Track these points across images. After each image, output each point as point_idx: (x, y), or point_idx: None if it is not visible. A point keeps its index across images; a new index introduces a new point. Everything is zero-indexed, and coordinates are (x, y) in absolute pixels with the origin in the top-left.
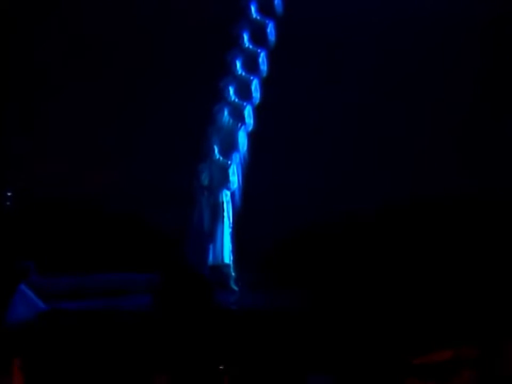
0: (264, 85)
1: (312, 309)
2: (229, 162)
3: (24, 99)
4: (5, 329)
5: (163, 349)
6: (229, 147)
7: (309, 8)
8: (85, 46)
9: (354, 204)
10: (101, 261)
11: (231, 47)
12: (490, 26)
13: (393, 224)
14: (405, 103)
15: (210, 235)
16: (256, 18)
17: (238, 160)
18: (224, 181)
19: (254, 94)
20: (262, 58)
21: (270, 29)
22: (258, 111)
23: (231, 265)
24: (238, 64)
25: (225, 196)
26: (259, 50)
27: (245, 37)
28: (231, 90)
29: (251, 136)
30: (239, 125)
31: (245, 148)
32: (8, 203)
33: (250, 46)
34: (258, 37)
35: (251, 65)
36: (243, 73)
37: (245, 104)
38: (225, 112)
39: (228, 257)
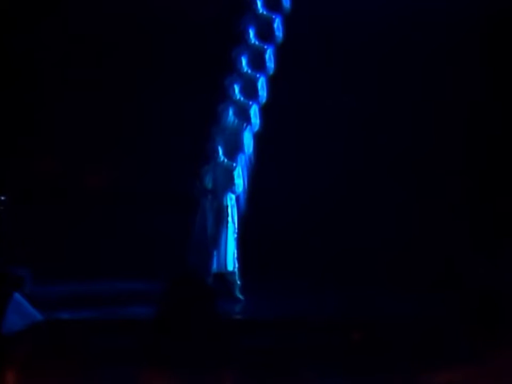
0: (271, 83)
1: (320, 317)
2: (234, 164)
3: (23, 99)
4: None
5: (164, 360)
6: (234, 148)
7: (317, 2)
8: (85, 44)
9: (363, 209)
10: (99, 268)
11: (236, 43)
12: (490, 25)
13: (398, 226)
14: (407, 103)
15: (214, 241)
16: (262, 12)
17: (243, 162)
18: (228, 184)
19: (260, 93)
20: (269, 55)
21: (277, 24)
22: (265, 111)
23: (236, 273)
24: (244, 61)
25: (230, 200)
26: (265, 47)
27: (251, 33)
28: (236, 88)
29: (257, 137)
30: (245, 125)
31: (251, 149)
32: (1, 207)
33: (257, 42)
34: (265, 33)
35: (257, 62)
36: (249, 71)
37: (250, 103)
38: (230, 112)
39: (232, 265)
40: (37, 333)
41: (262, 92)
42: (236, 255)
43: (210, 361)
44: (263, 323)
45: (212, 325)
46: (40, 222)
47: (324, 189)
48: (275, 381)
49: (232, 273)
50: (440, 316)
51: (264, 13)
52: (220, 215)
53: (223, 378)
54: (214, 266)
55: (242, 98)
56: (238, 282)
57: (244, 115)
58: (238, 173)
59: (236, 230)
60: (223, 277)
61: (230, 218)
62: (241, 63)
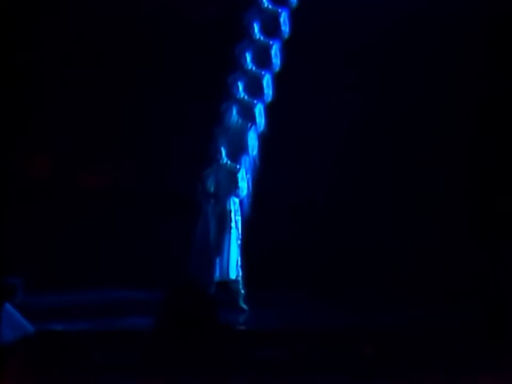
0: (277, 80)
1: (328, 328)
2: (238, 166)
3: (22, 99)
4: None
5: (164, 373)
6: (238, 150)
7: None
8: (86, 42)
9: (371, 215)
10: (94, 276)
11: (240, 39)
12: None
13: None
14: (413, 103)
15: (217, 248)
16: (267, 6)
17: (247, 164)
18: (232, 187)
19: (265, 91)
20: (275, 51)
21: (283, 18)
22: (271, 110)
23: (240, 281)
24: (248, 58)
25: (233, 204)
26: (271, 42)
27: (256, 27)
28: (241, 86)
29: (262, 138)
30: (249, 125)
31: (256, 150)
32: None
33: (262, 38)
34: (270, 27)
35: (262, 58)
36: (253, 68)
37: (255, 102)
38: (234, 111)
39: (235, 273)
40: (28, 345)
41: (268, 90)
42: (239, 263)
43: (212, 374)
44: (269, 334)
45: (213, 337)
46: (32, 227)
47: (333, 192)
48: None
49: (236, 281)
50: (452, 325)
51: (270, 6)
52: (222, 220)
53: None
54: (217, 274)
55: (246, 97)
56: (242, 291)
57: (248, 114)
58: (242, 175)
59: (240, 236)
60: (226, 286)
61: (233, 224)
62: (245, 59)
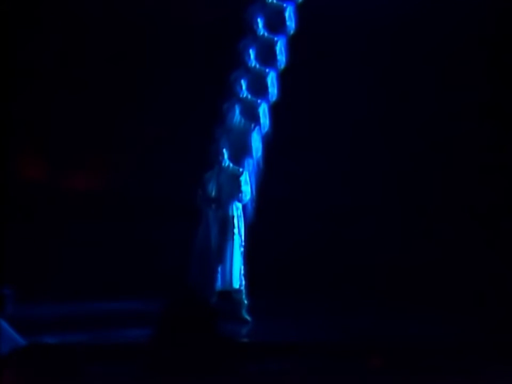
0: (282, 78)
1: (336, 341)
2: (241, 169)
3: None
4: None
5: None
6: (241, 152)
7: None
8: (84, 42)
9: (382, 222)
10: (90, 286)
11: (244, 35)
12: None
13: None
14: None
15: (218, 255)
16: (272, 1)
17: (251, 167)
18: (234, 191)
19: (270, 90)
20: (280, 47)
21: (289, 13)
22: (275, 110)
23: (243, 291)
24: (252, 54)
25: (236, 210)
26: (276, 38)
27: (260, 23)
28: (244, 85)
29: (267, 139)
30: (253, 125)
31: (260, 152)
32: None
33: (266, 34)
34: (275, 23)
35: (267, 55)
36: (257, 65)
37: (259, 101)
38: (237, 111)
39: (238, 282)
40: (19, 360)
41: (272, 89)
42: (242, 271)
43: None
44: (273, 347)
45: (214, 350)
46: (23, 235)
47: (341, 196)
48: None
49: (238, 291)
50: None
51: (275, 0)
52: (224, 226)
53: None
54: (218, 283)
55: (250, 96)
56: (245, 301)
57: (251, 114)
58: (245, 179)
59: (243, 243)
60: (228, 296)
61: (236, 230)
62: (249, 56)
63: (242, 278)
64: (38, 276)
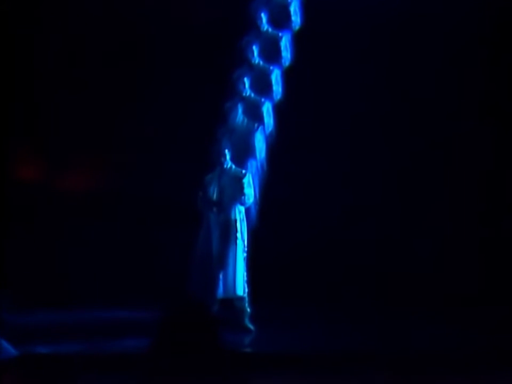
0: (287, 76)
1: (343, 352)
2: (243, 171)
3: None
4: None
5: None
6: (244, 153)
7: None
8: (84, 42)
9: (390, 225)
10: (85, 294)
11: (247, 31)
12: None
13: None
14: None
15: (220, 261)
16: None
17: (254, 168)
18: (237, 194)
19: (274, 88)
20: (284, 43)
21: (294, 7)
22: (280, 109)
23: (246, 299)
24: (255, 51)
25: (239, 213)
26: (280, 34)
27: (263, 18)
28: (247, 82)
29: (270, 139)
30: (256, 125)
31: (263, 153)
32: None
33: (270, 29)
34: (280, 18)
35: (271, 52)
36: (261, 62)
37: (263, 100)
38: (239, 110)
39: (241, 289)
40: (10, 372)
41: (277, 87)
42: (245, 278)
43: None
44: (277, 359)
45: (216, 361)
46: (15, 240)
47: (348, 197)
48: None
49: (241, 299)
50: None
51: None
52: (226, 230)
53: None
54: (220, 290)
55: (253, 95)
56: (248, 309)
57: (255, 114)
58: (248, 181)
59: (246, 248)
60: (230, 304)
61: (238, 235)
62: (252, 53)
63: (245, 285)
64: (31, 283)
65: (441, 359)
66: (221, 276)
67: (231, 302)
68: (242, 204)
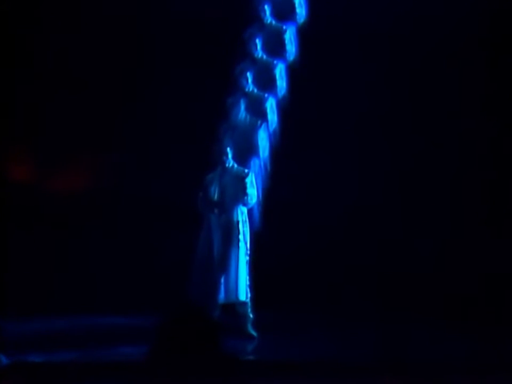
0: (292, 71)
1: (349, 359)
2: (246, 170)
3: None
4: None
5: None
6: (246, 151)
7: None
8: (84, 42)
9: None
10: (79, 300)
11: (250, 23)
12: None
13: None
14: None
15: (222, 265)
16: None
17: (257, 168)
18: (239, 194)
19: (278, 83)
20: (289, 36)
21: None
22: (284, 105)
23: (248, 304)
24: (259, 45)
25: (241, 214)
26: (285, 27)
27: (267, 10)
28: (250, 77)
29: (274, 137)
30: (259, 122)
31: (267, 152)
32: None
33: (274, 22)
34: (284, 10)
35: (274, 46)
36: (264, 56)
37: (266, 95)
38: (242, 106)
39: (244, 294)
40: (4, 379)
41: (281, 82)
42: (247, 282)
43: None
44: (281, 366)
45: (217, 369)
46: (8, 246)
47: (353, 197)
48: None
49: (244, 303)
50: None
51: None
52: (228, 232)
53: None
54: (222, 295)
55: (256, 90)
56: (251, 315)
57: (258, 110)
58: (251, 181)
59: (248, 251)
60: (232, 309)
61: (241, 237)
62: (255, 47)
63: (248, 290)
64: (24, 290)
65: (443, 364)
66: (222, 280)
67: (233, 307)
68: (244, 205)
